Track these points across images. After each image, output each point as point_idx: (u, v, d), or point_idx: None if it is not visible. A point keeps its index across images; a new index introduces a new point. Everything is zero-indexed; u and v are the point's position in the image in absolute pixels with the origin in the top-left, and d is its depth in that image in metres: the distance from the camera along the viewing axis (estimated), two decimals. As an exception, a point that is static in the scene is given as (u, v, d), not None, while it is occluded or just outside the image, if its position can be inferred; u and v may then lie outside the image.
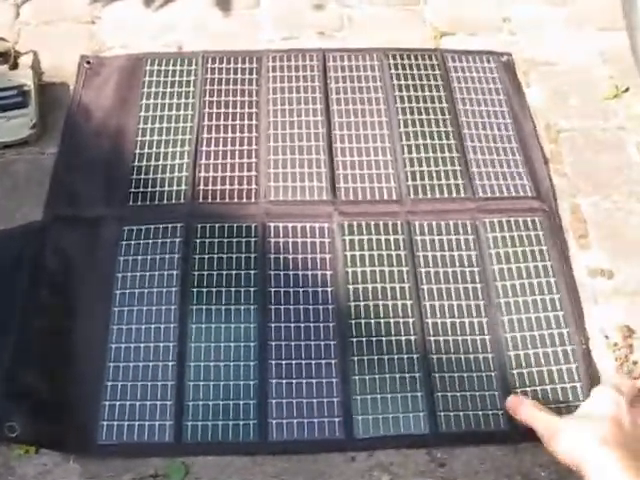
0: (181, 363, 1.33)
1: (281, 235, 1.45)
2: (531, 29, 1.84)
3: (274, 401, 1.29)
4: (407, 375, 1.31)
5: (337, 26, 1.82)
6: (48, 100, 1.65)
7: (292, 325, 1.36)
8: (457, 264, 1.44)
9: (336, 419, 1.28)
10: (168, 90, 1.66)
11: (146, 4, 1.84)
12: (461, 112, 1.64)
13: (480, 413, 1.29)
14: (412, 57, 1.73)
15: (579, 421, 1.14)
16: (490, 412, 1.29)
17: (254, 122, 1.61)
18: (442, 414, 1.29)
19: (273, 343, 1.34)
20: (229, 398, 1.30)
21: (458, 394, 1.31)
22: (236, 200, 1.50)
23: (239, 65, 1.71)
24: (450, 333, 1.36)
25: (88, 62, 1.71)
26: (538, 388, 1.31)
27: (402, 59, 1.72)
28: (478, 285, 1.41)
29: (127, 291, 1.39)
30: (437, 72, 1.70)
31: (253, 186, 1.52)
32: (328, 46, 1.75)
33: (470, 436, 1.28)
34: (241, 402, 1.29)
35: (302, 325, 1.36)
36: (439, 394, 1.30)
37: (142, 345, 1.34)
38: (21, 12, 1.82)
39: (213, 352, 1.34)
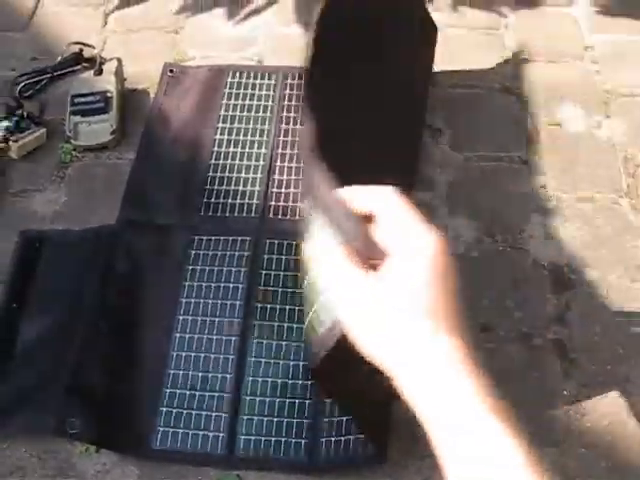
0: (239, 376, 1.34)
1: (347, 256, 1.45)
2: (613, 59, 1.79)
3: (327, 419, 1.29)
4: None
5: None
6: (129, 106, 1.70)
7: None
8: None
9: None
10: (247, 103, 1.68)
11: (229, 17, 1.87)
12: None
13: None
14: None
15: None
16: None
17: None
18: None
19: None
20: (283, 415, 1.30)
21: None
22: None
23: (318, 82, 1.71)
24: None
25: (171, 70, 1.74)
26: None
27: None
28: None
29: (192, 300, 1.42)
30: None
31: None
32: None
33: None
34: (295, 420, 1.30)
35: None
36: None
37: (202, 355, 1.36)
38: (109, 20, 1.87)
39: (272, 368, 1.35)
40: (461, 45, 1.82)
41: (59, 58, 1.74)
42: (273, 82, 1.72)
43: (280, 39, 1.83)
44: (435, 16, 1.65)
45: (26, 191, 1.59)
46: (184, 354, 1.37)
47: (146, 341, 1.38)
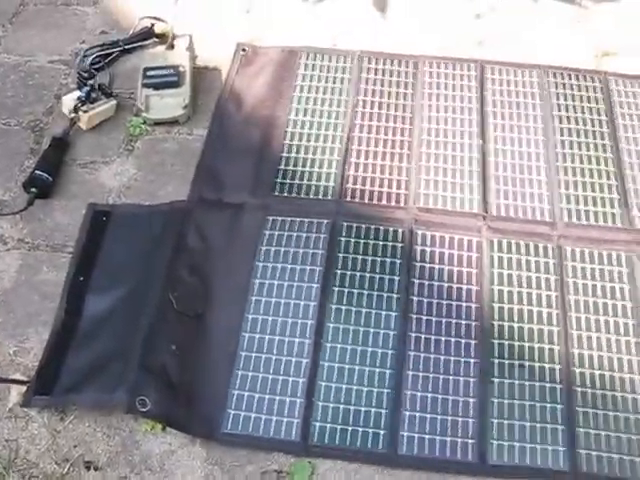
0: (315, 361, 1.28)
1: (428, 244, 1.40)
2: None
3: (407, 413, 1.24)
4: (548, 405, 1.24)
5: (495, 37, 1.75)
6: (200, 83, 1.65)
7: (433, 337, 1.31)
8: (608, 296, 1.35)
9: (469, 440, 1.21)
10: (322, 85, 1.64)
11: (302, -3, 1.83)
12: (622, 139, 1.56)
13: (626, 459, 1.20)
14: (573, 77, 1.66)
15: None
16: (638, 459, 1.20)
17: (407, 126, 1.57)
18: (583, 452, 1.20)
19: (412, 353, 1.29)
20: (361, 404, 1.24)
21: (602, 433, 1.22)
22: (384, 203, 1.46)
23: (395, 67, 1.67)
24: (597, 367, 1.27)
25: (243, 50, 1.70)
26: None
27: (563, 78, 1.65)
28: (630, 321, 1.32)
29: (266, 281, 1.36)
30: (599, 95, 1.62)
31: (403, 191, 1.47)
32: (486, 56, 1.69)
33: None
34: (373, 410, 1.24)
35: (443, 339, 1.30)
36: (581, 430, 1.22)
37: (276, 338, 1.31)
38: (179, -4, 1.84)
39: (349, 354, 1.29)
40: (539, 36, 1.76)
41: (130, 31, 1.69)
42: (349, 65, 1.67)
43: (354, 22, 1.77)
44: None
45: (94, 163, 1.54)
46: (257, 336, 1.31)
47: (217, 321, 1.33)
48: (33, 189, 1.47)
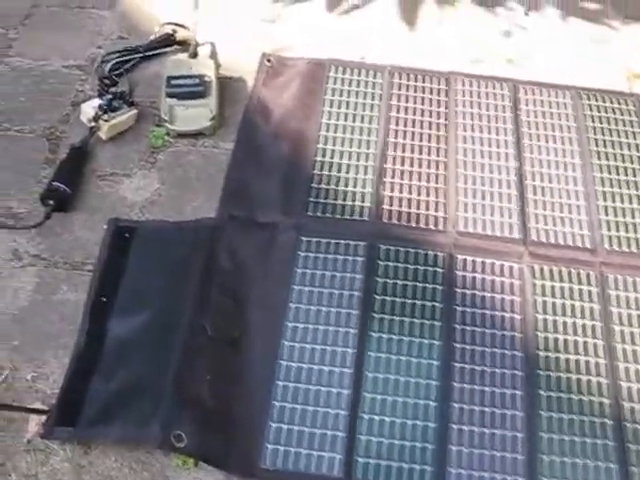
0: (356, 392, 1.22)
1: (469, 269, 1.35)
2: None
3: (454, 449, 1.17)
4: (599, 442, 1.19)
5: (525, 55, 1.71)
6: (224, 94, 1.57)
7: (477, 368, 1.25)
8: (656, 327, 1.31)
9: (519, 478, 1.15)
10: (352, 100, 1.58)
11: (329, 8, 1.76)
12: None
13: None
14: (607, 99, 1.62)
15: None
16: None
17: (442, 145, 1.51)
18: None
19: (456, 385, 1.23)
20: (405, 438, 1.18)
21: (659, 472, 1.17)
22: (423, 225, 1.40)
23: (427, 84, 1.62)
24: (647, 401, 1.23)
25: (269, 60, 1.63)
26: None
27: (596, 100, 1.61)
28: (680, 355, 1.28)
29: (302, 306, 1.30)
30: (634, 118, 1.59)
31: (441, 213, 1.42)
32: (516, 74, 1.65)
33: None
34: (418, 444, 1.18)
35: (488, 370, 1.25)
36: (634, 469, 1.17)
37: (315, 367, 1.24)
38: (200, 3, 1.75)
39: (391, 385, 1.23)
40: (570, 56, 1.72)
41: (151, 37, 1.62)
42: (379, 80, 1.61)
43: (382, 36, 1.71)
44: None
45: (114, 175, 1.46)
46: (294, 365, 1.24)
47: (253, 348, 1.26)
48: (51, 201, 1.38)
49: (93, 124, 1.46)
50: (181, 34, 1.63)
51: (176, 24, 1.63)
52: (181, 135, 1.50)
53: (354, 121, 1.54)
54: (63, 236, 1.38)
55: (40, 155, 1.48)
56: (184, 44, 1.62)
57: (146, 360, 1.23)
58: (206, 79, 1.52)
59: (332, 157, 1.49)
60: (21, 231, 1.38)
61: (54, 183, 1.39)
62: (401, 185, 1.45)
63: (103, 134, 1.47)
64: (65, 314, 1.29)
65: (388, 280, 1.33)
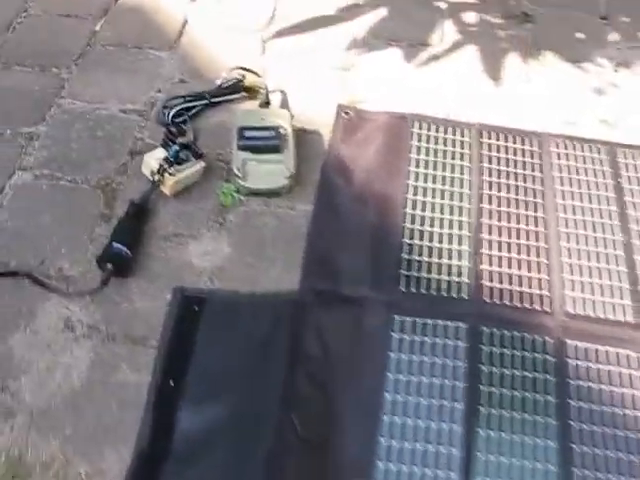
0: (465, 502, 1.05)
1: (582, 357, 1.20)
2: None
3: None
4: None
5: (619, 116, 1.58)
6: (299, 148, 1.42)
7: (602, 476, 1.08)
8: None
9: None
10: (440, 160, 1.44)
11: (407, 58, 1.62)
12: None
13: None
14: None
15: None
16: None
17: (540, 214, 1.37)
18: None
19: (579, 497, 1.07)
20: None
21: None
22: (527, 305, 1.25)
23: (518, 145, 1.48)
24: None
25: (347, 113, 1.49)
26: None
27: None
28: None
29: (400, 398, 1.14)
30: None
31: (545, 292, 1.27)
32: (611, 136, 1.51)
33: None
34: None
35: (613, 477, 1.08)
36: None
37: (416, 470, 1.08)
38: (267, 47, 1.61)
39: (504, 492, 1.06)
40: None
41: (217, 82, 1.47)
42: (467, 139, 1.48)
43: (464, 90, 1.58)
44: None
45: (179, 236, 1.30)
46: (394, 468, 1.08)
47: (345, 447, 1.09)
48: (109, 265, 1.22)
49: (157, 177, 1.30)
50: (249, 80, 1.48)
51: (245, 69, 1.48)
52: (253, 193, 1.34)
53: (444, 184, 1.40)
54: (122, 305, 1.21)
55: (94, 209, 1.32)
56: (251, 91, 1.47)
57: (224, 461, 1.06)
58: (281, 131, 1.37)
59: (422, 224, 1.34)
60: (74, 297, 1.21)
61: (114, 244, 1.23)
62: (499, 258, 1.31)
63: (167, 189, 1.31)
64: (126, 399, 1.11)
65: (493, 368, 1.18)
